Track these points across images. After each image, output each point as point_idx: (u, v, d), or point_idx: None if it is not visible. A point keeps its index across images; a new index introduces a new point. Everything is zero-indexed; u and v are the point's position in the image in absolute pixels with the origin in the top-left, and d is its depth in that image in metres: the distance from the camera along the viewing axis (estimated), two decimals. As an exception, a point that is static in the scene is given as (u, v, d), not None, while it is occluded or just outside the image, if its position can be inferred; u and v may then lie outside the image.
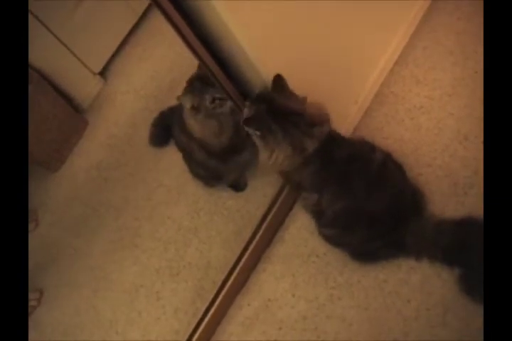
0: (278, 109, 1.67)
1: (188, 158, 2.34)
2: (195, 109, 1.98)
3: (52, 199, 2.90)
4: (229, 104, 1.93)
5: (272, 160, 1.73)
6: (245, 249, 2.16)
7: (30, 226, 2.80)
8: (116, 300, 2.39)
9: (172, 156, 2.58)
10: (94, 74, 3.16)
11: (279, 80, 1.68)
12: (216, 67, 1.68)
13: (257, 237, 2.17)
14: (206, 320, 2.10)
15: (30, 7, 2.69)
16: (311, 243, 2.15)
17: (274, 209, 2.20)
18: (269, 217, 2.19)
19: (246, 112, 1.71)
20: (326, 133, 1.70)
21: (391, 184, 1.78)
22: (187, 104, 1.99)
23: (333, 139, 1.76)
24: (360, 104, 2.34)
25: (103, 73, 3.20)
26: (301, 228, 2.21)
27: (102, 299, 2.44)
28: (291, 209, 2.26)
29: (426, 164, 2.12)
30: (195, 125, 2.07)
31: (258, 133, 1.67)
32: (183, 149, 2.33)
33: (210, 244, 2.33)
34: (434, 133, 2.21)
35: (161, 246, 2.42)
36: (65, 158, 3.01)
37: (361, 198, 1.73)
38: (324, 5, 1.87)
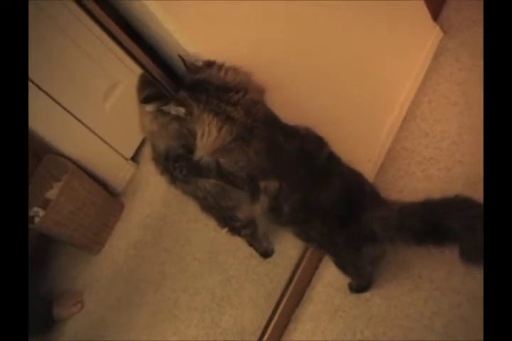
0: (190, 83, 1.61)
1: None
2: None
3: (96, 280, 3.04)
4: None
5: (204, 138, 1.58)
6: (275, 310, 2.25)
7: (76, 307, 2.93)
8: (160, 371, 2.48)
9: (204, 231, 2.74)
10: (127, 159, 3.35)
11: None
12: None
13: (285, 299, 2.26)
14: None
15: (60, 101, 2.92)
16: (338, 299, 2.22)
17: (299, 271, 2.30)
18: (295, 279, 2.29)
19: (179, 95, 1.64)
20: (250, 101, 1.61)
21: (338, 178, 1.78)
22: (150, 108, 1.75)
23: (273, 123, 1.71)
24: (373, 162, 2.46)
25: (135, 158, 3.38)
26: (327, 285, 2.28)
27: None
28: (316, 268, 2.34)
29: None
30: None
31: (182, 110, 1.58)
32: None
33: (243, 309, 2.41)
34: (445, 181, 2.30)
35: (197, 315, 2.51)
36: (105, 240, 3.16)
37: (312, 190, 1.74)
38: (330, 70, 2.08)
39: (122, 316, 2.78)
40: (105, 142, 3.24)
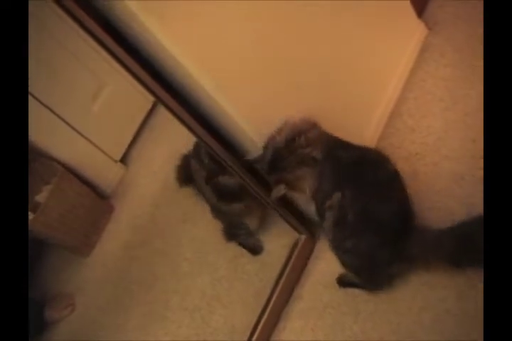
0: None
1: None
2: None
3: (87, 282, 3.04)
4: None
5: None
6: (264, 309, 2.25)
7: (68, 310, 2.93)
8: (152, 372, 2.48)
9: (193, 231, 2.77)
10: (116, 161, 3.35)
11: None
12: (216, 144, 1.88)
13: (274, 297, 2.26)
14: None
15: (47, 103, 2.93)
16: (326, 296, 2.22)
17: (288, 269, 2.30)
18: (284, 277, 2.29)
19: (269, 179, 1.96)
20: (318, 135, 1.88)
21: (398, 195, 1.89)
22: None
23: (335, 142, 1.94)
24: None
25: (123, 160, 3.38)
26: (316, 283, 2.28)
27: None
28: (305, 266, 2.34)
29: (427, 208, 2.18)
30: None
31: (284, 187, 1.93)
32: None
33: (233, 308, 2.41)
34: (431, 177, 2.30)
35: (188, 316, 2.51)
36: (95, 242, 3.17)
37: (372, 200, 1.84)
38: (312, 71, 2.06)
39: (114, 318, 2.78)
40: (94, 144, 3.25)
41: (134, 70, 1.62)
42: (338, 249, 2.02)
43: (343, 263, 2.07)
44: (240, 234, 2.47)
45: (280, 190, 1.92)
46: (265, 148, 1.92)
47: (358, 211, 1.85)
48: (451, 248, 1.80)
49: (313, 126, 1.91)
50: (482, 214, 1.71)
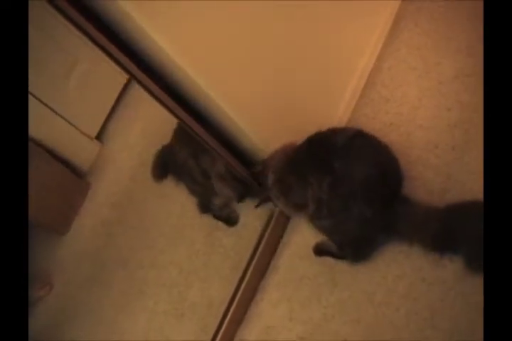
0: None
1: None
2: None
3: (64, 261, 3.02)
4: None
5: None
6: (240, 282, 2.24)
7: (46, 289, 2.91)
8: (130, 348, 2.47)
9: (169, 206, 2.74)
10: (91, 138, 3.31)
11: None
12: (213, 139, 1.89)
13: (251, 269, 2.25)
14: (211, 354, 2.16)
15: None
16: (302, 267, 2.21)
17: (264, 242, 2.28)
18: (260, 249, 2.27)
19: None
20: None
21: (365, 156, 1.88)
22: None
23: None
24: (333, 131, 2.43)
25: (99, 137, 3.35)
26: (292, 255, 2.27)
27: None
28: (281, 238, 2.33)
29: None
30: None
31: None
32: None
33: (210, 282, 2.41)
34: (406, 146, 2.28)
35: (165, 291, 2.51)
36: (72, 220, 3.14)
37: (341, 171, 1.81)
38: (286, 38, 2.00)
39: (91, 296, 2.77)
40: (69, 122, 3.20)
41: (108, 49, 1.58)
42: (320, 227, 2.05)
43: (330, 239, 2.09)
44: (214, 205, 2.44)
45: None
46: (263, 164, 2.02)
47: (327, 188, 1.84)
48: (435, 230, 1.78)
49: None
50: (472, 200, 1.76)
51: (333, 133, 1.93)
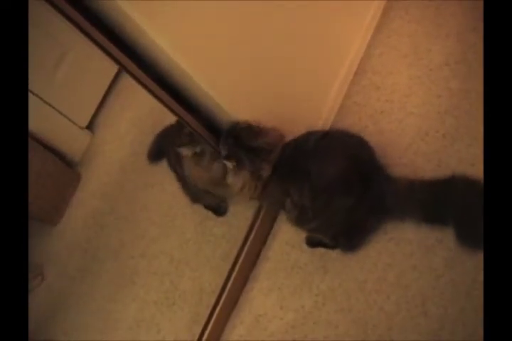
0: (244, 144, 1.83)
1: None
2: (199, 154, 2.07)
3: (56, 251, 3.00)
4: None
5: (244, 190, 1.89)
6: (231, 271, 2.23)
7: (37, 280, 2.90)
8: (121, 337, 2.45)
9: (160, 196, 2.73)
10: (82, 128, 3.29)
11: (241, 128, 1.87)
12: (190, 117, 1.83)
13: (242, 258, 2.24)
14: (203, 342, 2.16)
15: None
16: (293, 256, 2.21)
17: (255, 230, 2.28)
18: (251, 238, 2.27)
19: (222, 149, 1.87)
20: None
21: (333, 152, 1.85)
22: (188, 152, 2.07)
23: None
24: (324, 119, 2.43)
25: (90, 126, 3.32)
26: (282, 243, 2.27)
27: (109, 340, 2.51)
28: (271, 227, 2.33)
29: (393, 164, 2.14)
30: (200, 171, 2.16)
31: (234, 164, 1.83)
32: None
33: (201, 271, 2.40)
34: (397, 134, 2.28)
35: (156, 280, 2.50)
36: (63, 211, 3.12)
37: (316, 173, 1.79)
38: (276, 26, 1.98)
39: (83, 286, 2.76)
40: (59, 112, 3.17)
41: (97, 39, 1.56)
42: (308, 229, 2.06)
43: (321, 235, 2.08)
44: (204, 195, 2.42)
45: (229, 165, 1.88)
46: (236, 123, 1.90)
47: (307, 193, 1.83)
48: (423, 199, 1.77)
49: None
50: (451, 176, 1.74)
51: (304, 138, 1.91)
